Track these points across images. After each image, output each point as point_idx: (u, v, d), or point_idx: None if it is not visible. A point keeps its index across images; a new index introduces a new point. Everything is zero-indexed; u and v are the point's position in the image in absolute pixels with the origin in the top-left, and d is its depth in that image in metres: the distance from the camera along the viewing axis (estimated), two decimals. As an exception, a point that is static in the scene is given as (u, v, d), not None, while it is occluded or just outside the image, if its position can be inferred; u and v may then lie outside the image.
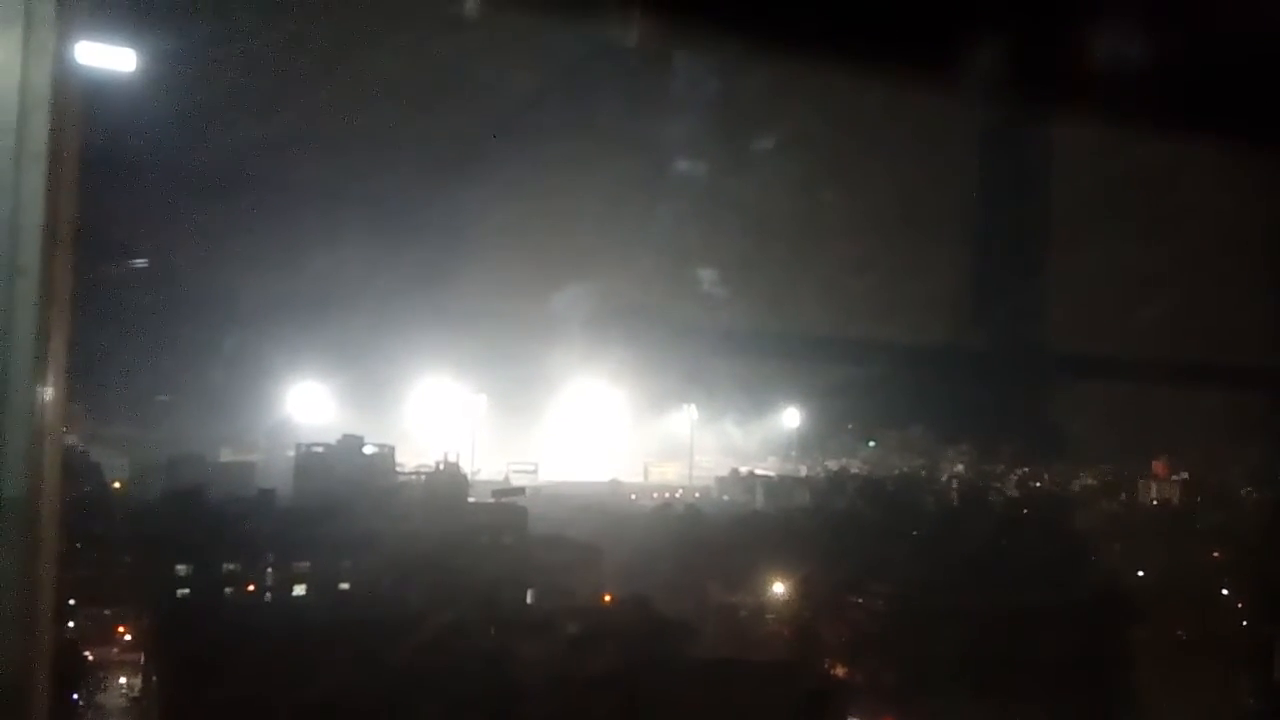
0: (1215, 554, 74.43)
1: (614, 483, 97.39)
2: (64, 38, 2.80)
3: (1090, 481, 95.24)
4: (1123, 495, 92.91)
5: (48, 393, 2.77)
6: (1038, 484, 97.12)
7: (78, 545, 61.16)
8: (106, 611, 58.90)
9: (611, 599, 59.27)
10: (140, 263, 70.51)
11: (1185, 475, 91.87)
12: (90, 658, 56.71)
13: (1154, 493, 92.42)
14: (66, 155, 2.86)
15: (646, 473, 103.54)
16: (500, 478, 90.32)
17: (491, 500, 79.04)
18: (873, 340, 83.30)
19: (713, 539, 73.70)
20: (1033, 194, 75.75)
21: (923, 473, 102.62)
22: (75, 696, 52.38)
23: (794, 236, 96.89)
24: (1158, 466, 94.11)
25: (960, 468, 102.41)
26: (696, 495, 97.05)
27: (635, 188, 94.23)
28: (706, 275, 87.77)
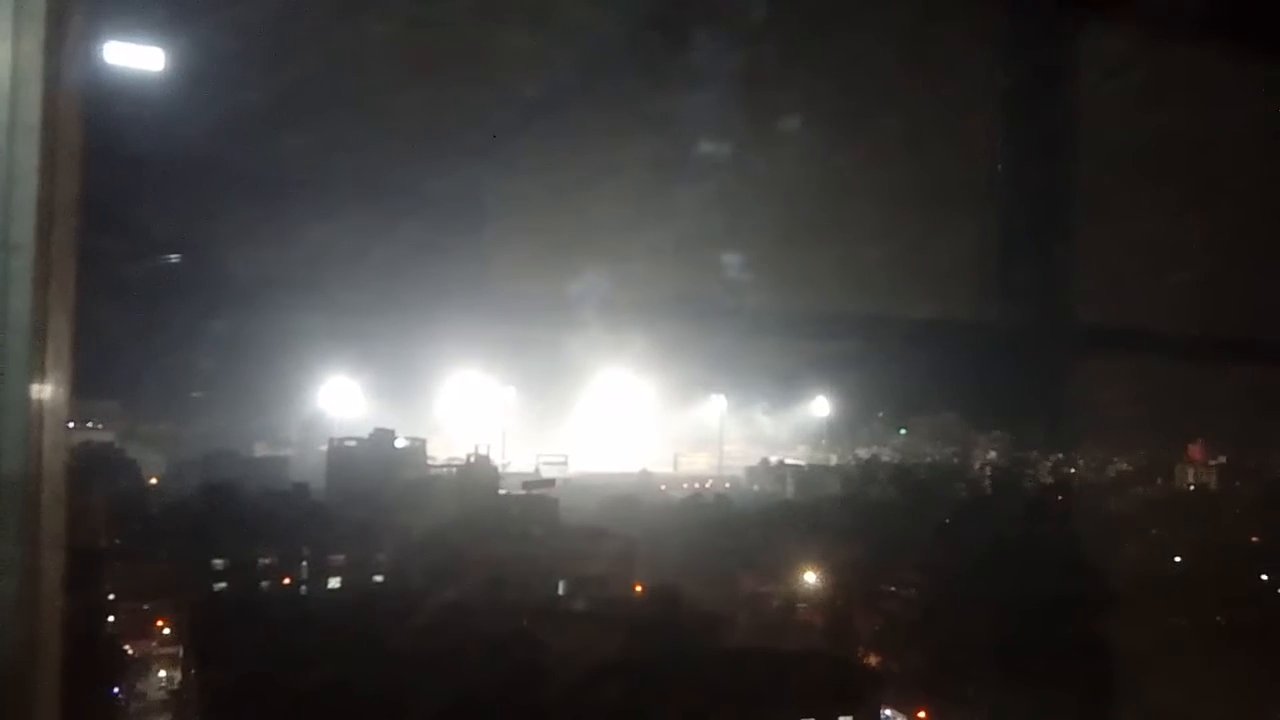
0: (1254, 539, 73.40)
1: (644, 473, 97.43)
2: (59, 12, 2.75)
3: (1125, 467, 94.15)
4: (1158, 480, 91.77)
5: (46, 372, 2.71)
6: (1072, 470, 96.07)
7: (116, 541, 62.17)
8: (145, 606, 59.64)
9: (643, 589, 59.29)
10: (173, 258, 71.27)
11: (1223, 459, 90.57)
12: (130, 651, 57.53)
13: (1190, 477, 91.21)
14: (63, 128, 2.79)
15: (676, 463, 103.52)
16: (530, 470, 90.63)
17: (522, 492, 79.37)
18: (900, 317, 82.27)
19: (743, 529, 73.58)
20: (1060, 162, 74.25)
21: (955, 460, 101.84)
22: (116, 690, 53.18)
23: (820, 214, 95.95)
24: (1194, 450, 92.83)
25: (993, 454, 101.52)
26: (726, 485, 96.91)
27: (658, 170, 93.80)
28: (731, 260, 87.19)
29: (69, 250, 2.86)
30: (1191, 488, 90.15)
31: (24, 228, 2.63)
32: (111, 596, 57.30)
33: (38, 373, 2.67)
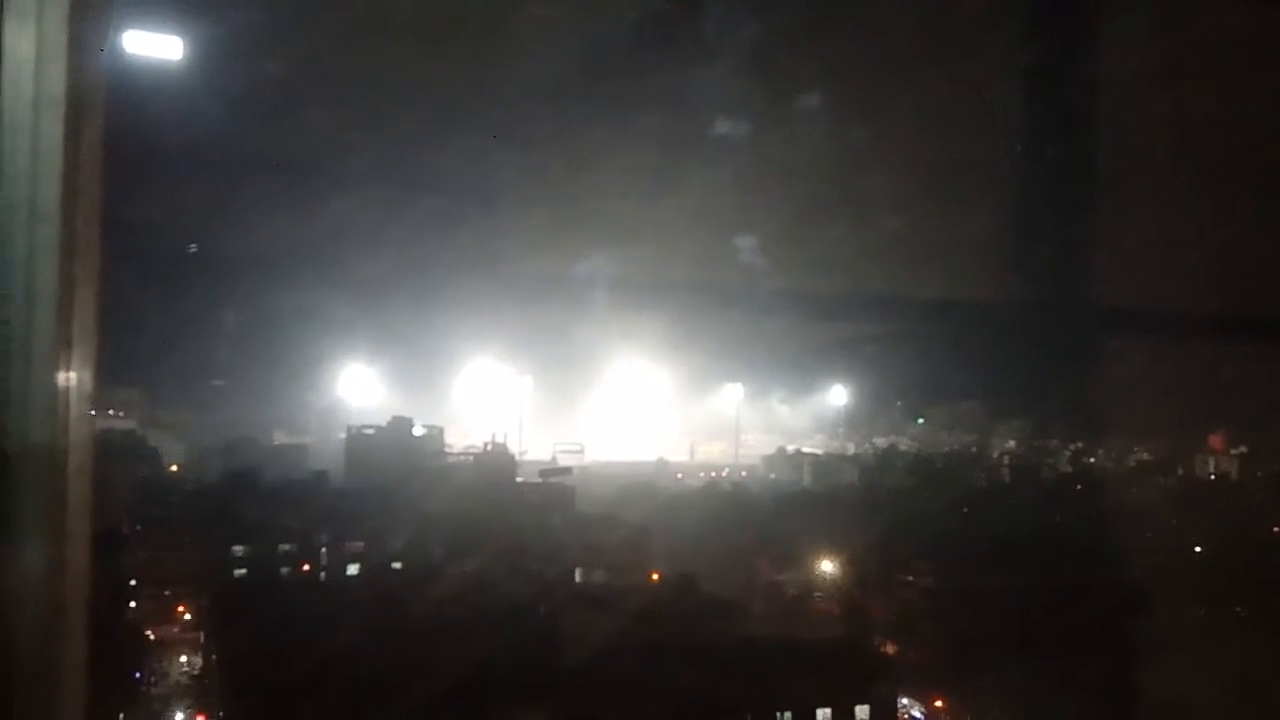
0: (1276, 529, 72.85)
1: (660, 462, 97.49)
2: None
3: (1145, 456, 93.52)
4: (1179, 469, 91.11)
5: (73, 340, 2.76)
6: (1091, 459, 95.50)
7: (137, 528, 62.76)
8: (167, 592, 60.27)
9: (659, 577, 59.40)
10: (192, 247, 71.78)
11: (1244, 449, 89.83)
12: (152, 637, 58.14)
13: (1211, 467, 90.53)
14: (87, 103, 2.83)
15: (693, 452, 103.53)
16: (547, 458, 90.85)
17: (539, 480, 79.60)
18: (918, 298, 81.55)
19: (759, 517, 73.55)
20: (1080, 138, 72.91)
21: (973, 449, 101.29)
22: (138, 675, 53.79)
23: (836, 192, 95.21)
24: (1215, 440, 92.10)
25: (1012, 444, 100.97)
26: (743, 474, 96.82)
27: (673, 150, 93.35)
28: (746, 241, 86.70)
29: (94, 222, 2.90)
30: (1212, 477, 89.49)
31: (50, 198, 2.68)
32: (133, 583, 57.92)
33: (64, 341, 2.72)
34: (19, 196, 2.66)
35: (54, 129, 2.69)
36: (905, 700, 52.56)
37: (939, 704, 54.65)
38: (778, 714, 43.78)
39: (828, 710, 44.31)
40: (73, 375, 2.77)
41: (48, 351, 2.65)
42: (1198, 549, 68.21)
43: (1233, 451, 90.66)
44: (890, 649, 58.27)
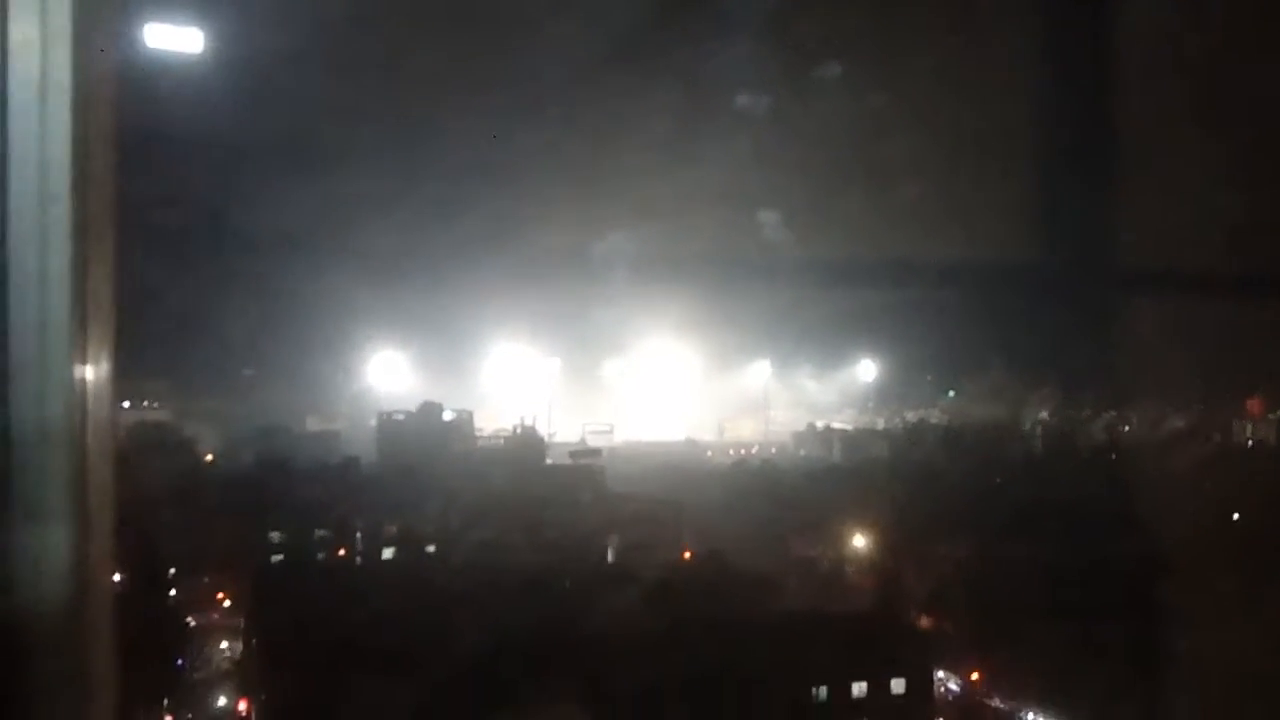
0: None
1: (689, 441, 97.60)
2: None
3: (1180, 423, 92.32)
4: (1216, 436, 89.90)
5: (88, 323, 2.76)
6: (1126, 428, 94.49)
7: (174, 517, 63.64)
8: (206, 579, 61.11)
9: (691, 554, 59.58)
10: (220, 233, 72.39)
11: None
12: (193, 623, 59.07)
13: (1249, 433, 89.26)
14: (95, 84, 2.83)
15: (721, 430, 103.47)
16: (576, 439, 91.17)
17: (569, 462, 79.95)
18: (946, 263, 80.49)
19: (790, 494, 73.50)
20: (1107, 97, 71.37)
21: (1005, 421, 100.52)
22: (180, 661, 54.71)
23: (859, 159, 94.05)
24: (1252, 404, 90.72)
25: (1044, 414, 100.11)
26: (773, 451, 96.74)
27: (692, 124, 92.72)
28: (769, 215, 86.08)
29: (107, 203, 2.91)
30: (1250, 444, 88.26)
31: (60, 180, 2.68)
32: (172, 571, 58.81)
33: (78, 324, 2.73)
34: (29, 177, 2.67)
35: (61, 110, 2.69)
36: (941, 673, 52.47)
37: (975, 676, 54.50)
38: (813, 689, 43.85)
39: (863, 684, 44.33)
40: (89, 357, 2.78)
41: (62, 334, 2.66)
42: (1235, 516, 67.38)
43: (1271, 416, 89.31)
44: (925, 622, 58.15)
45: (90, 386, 2.76)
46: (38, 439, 2.63)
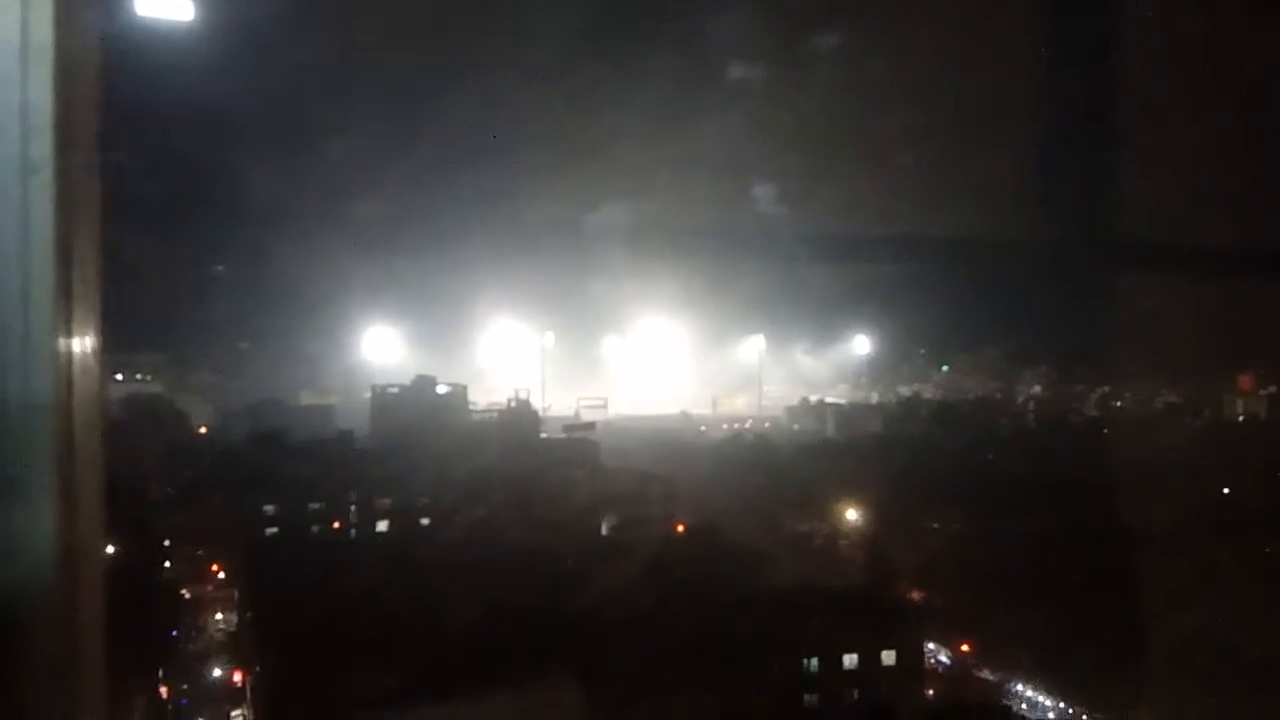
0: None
1: (683, 415, 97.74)
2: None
3: (1172, 399, 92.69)
4: (1206, 411, 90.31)
5: (72, 293, 2.71)
6: (1118, 403, 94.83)
7: (169, 490, 63.69)
8: (200, 552, 61.20)
9: (684, 528, 59.78)
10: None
11: (1273, 389, 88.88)
12: (187, 596, 59.24)
13: (1240, 408, 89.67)
14: (78, 50, 2.76)
15: (715, 404, 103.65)
16: (571, 413, 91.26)
17: (563, 435, 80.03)
18: (941, 237, 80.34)
19: (784, 468, 73.72)
20: (1104, 68, 70.82)
21: (998, 396, 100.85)
22: (175, 633, 54.89)
23: (854, 130, 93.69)
24: (1243, 381, 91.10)
25: (1038, 389, 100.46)
26: (766, 425, 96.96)
27: (686, 97, 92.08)
28: (765, 191, 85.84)
29: (90, 172, 2.84)
30: (1241, 419, 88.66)
31: (42, 148, 2.61)
32: (167, 543, 58.89)
33: (63, 296, 2.68)
34: (10, 143, 2.60)
35: (43, 76, 2.62)
36: (931, 645, 52.85)
37: (965, 649, 54.93)
38: (804, 660, 44.15)
39: (854, 656, 44.62)
40: (75, 327, 2.73)
41: (46, 306, 2.60)
42: (1225, 490, 67.82)
43: (1262, 392, 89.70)
44: (916, 595, 58.51)
45: (76, 359, 2.71)
46: (22, 413, 2.58)
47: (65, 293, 2.63)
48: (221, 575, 60.60)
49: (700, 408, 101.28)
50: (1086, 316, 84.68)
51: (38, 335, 2.55)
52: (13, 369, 2.51)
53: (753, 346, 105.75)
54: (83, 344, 2.75)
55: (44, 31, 2.59)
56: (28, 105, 2.56)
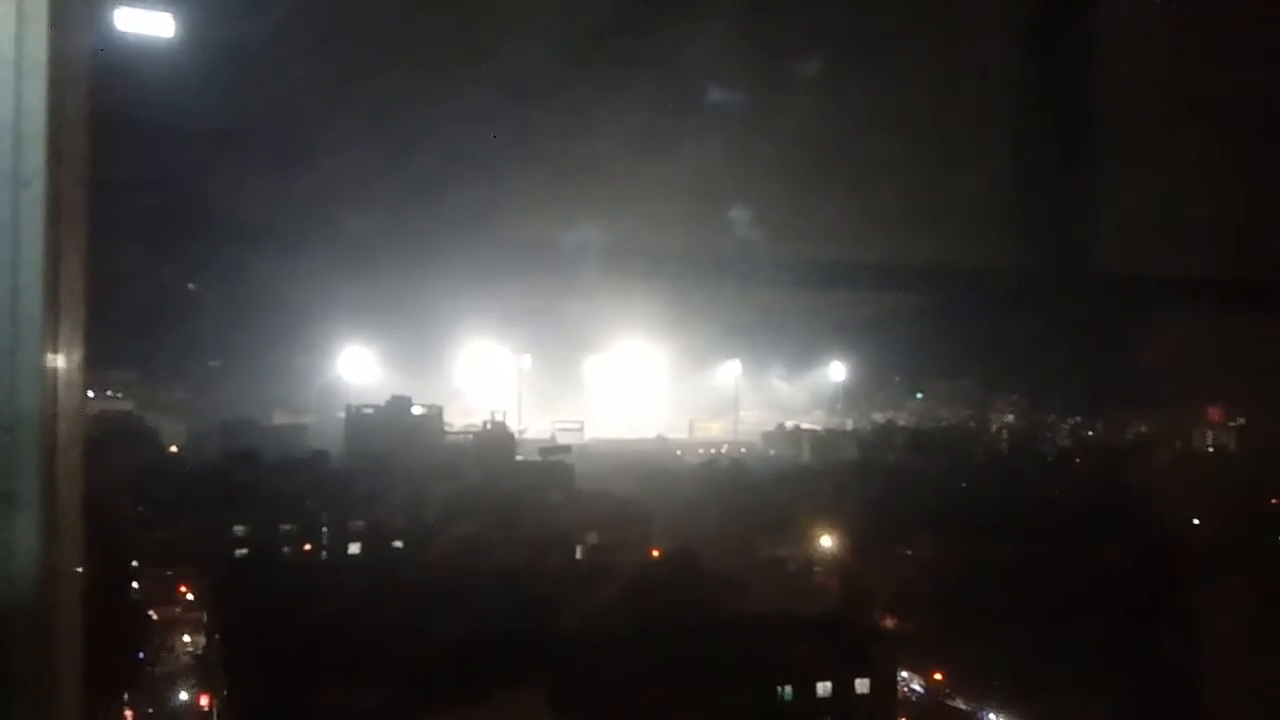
0: (1273, 500, 73.03)
1: (659, 439, 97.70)
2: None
3: (1143, 429, 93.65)
4: (1177, 443, 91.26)
5: (60, 306, 2.71)
6: (1090, 433, 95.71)
7: (138, 508, 62.81)
8: (169, 572, 60.32)
9: (660, 554, 59.59)
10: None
11: (1242, 421, 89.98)
12: (155, 617, 58.32)
13: (1209, 440, 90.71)
14: (70, 66, 2.77)
15: (692, 429, 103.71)
16: (547, 436, 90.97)
17: (539, 458, 79.73)
18: (917, 266, 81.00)
19: (759, 493, 73.74)
20: (1081, 99, 71.77)
21: (972, 424, 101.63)
22: (141, 654, 54.00)
23: (832, 156, 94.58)
24: (1213, 412, 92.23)
25: (1010, 418, 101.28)
26: (742, 450, 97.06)
27: (666, 122, 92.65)
28: (742, 215, 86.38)
29: (80, 185, 2.85)
30: (1210, 450, 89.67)
31: (33, 162, 2.62)
32: (135, 563, 58.03)
33: (51, 311, 2.67)
34: (3, 159, 2.60)
35: (36, 92, 2.63)
36: (905, 673, 52.83)
37: (938, 677, 54.95)
38: (778, 687, 44.00)
39: (828, 684, 44.52)
40: (61, 341, 2.72)
41: (35, 316, 2.60)
42: (1195, 521, 68.41)
43: (1230, 424, 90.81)
44: (889, 622, 58.55)
45: (62, 375, 2.70)
46: (8, 426, 2.57)
47: (54, 310, 2.62)
48: (190, 596, 59.74)
49: (677, 432, 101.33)
50: (1059, 347, 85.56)
51: (26, 352, 2.54)
52: (0, 384, 2.50)
53: (729, 371, 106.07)
54: (69, 358, 2.74)
55: (38, 47, 2.60)
56: (21, 118, 2.56)
